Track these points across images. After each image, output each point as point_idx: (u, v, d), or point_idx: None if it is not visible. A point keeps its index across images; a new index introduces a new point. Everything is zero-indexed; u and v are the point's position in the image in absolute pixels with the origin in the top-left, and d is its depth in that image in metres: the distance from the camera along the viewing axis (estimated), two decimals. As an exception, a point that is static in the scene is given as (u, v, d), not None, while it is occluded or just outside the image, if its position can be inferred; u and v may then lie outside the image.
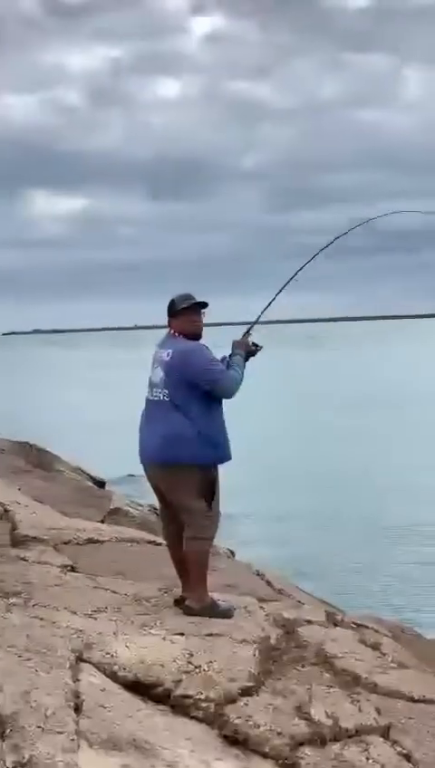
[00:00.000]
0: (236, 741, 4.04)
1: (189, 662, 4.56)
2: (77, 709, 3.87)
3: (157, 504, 6.04)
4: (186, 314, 5.46)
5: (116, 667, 4.43)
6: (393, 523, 17.15)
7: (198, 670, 4.50)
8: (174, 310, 5.47)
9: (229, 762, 3.87)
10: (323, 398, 40.46)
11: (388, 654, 5.36)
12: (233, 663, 4.62)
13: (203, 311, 5.53)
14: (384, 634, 5.86)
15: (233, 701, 4.29)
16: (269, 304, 5.90)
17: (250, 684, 4.47)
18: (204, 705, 4.24)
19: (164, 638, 4.84)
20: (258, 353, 5.68)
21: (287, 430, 30.61)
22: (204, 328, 5.55)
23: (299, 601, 6.50)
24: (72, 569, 6.25)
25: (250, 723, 4.12)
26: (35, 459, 12.92)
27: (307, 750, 4.01)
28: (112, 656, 4.51)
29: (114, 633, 4.82)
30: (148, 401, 5.51)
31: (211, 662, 4.58)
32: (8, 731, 3.58)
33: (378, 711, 4.46)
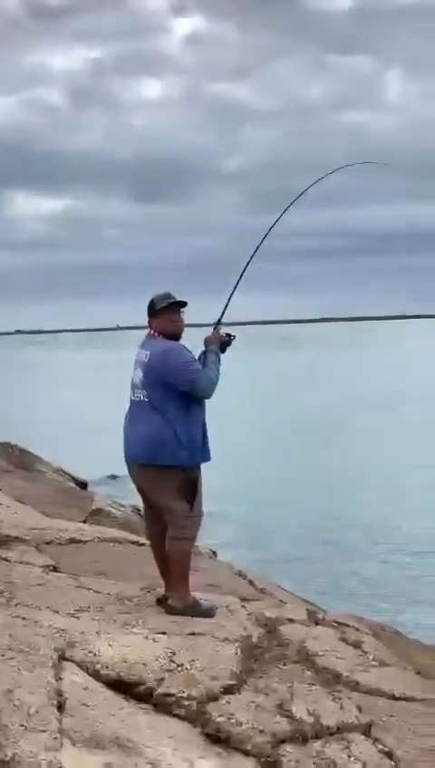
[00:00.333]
0: (218, 739, 4.04)
1: (172, 661, 4.57)
2: (60, 708, 3.87)
3: (141, 504, 6.05)
4: (165, 314, 5.43)
5: (99, 666, 4.43)
6: (375, 523, 17.24)
7: (180, 669, 4.51)
8: (153, 309, 5.44)
9: (212, 760, 3.87)
10: (303, 399, 40.58)
11: (369, 652, 5.38)
12: (215, 661, 4.64)
13: (183, 310, 5.50)
14: (365, 632, 5.88)
15: (215, 699, 4.30)
16: (237, 285, 5.77)
17: (232, 682, 4.48)
18: (186, 703, 4.25)
19: (146, 637, 4.85)
20: (232, 342, 5.63)
21: (270, 431, 30.68)
22: (186, 328, 5.53)
23: (281, 600, 6.51)
24: (55, 569, 6.24)
25: (232, 721, 4.13)
26: (17, 460, 12.88)
27: (289, 747, 4.02)
28: (95, 654, 4.52)
29: (97, 632, 4.82)
30: (131, 402, 5.51)
31: (193, 661, 4.59)
32: (-9, 729, 3.58)
33: (359, 709, 4.48)
